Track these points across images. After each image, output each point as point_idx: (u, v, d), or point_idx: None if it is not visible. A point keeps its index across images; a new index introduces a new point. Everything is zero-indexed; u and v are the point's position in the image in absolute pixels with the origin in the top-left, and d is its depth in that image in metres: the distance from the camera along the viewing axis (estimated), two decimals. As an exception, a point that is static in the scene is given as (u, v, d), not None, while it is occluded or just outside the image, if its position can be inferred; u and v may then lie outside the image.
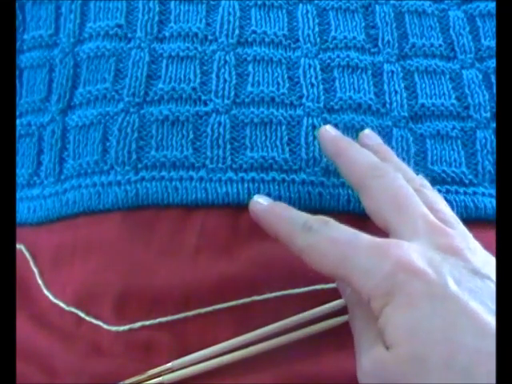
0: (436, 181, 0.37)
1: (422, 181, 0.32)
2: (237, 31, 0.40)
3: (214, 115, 0.38)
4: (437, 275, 0.24)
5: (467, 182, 0.37)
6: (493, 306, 0.23)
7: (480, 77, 0.40)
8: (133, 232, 0.35)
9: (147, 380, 0.31)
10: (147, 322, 0.33)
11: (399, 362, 0.24)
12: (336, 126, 0.38)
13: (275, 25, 0.41)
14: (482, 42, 0.41)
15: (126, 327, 0.33)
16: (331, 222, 0.28)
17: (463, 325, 0.23)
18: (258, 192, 0.36)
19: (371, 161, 0.31)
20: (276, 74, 0.39)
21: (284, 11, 0.42)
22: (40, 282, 0.35)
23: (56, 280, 0.35)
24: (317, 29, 0.41)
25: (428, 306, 0.24)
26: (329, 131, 0.35)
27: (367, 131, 0.36)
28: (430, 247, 0.26)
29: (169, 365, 0.31)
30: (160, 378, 0.31)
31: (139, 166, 0.37)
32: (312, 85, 0.39)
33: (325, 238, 0.27)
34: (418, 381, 0.23)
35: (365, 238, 0.27)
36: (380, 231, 0.35)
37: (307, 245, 0.28)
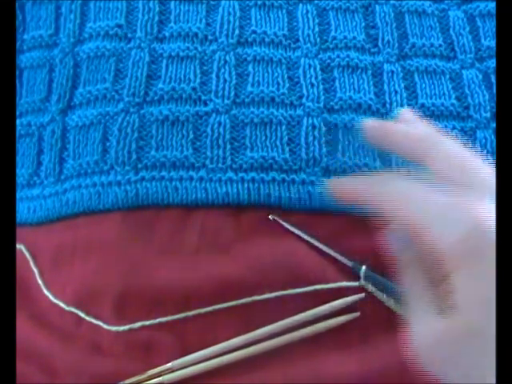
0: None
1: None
2: (237, 31, 0.40)
3: (214, 115, 0.38)
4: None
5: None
6: None
7: (480, 77, 0.40)
8: (133, 232, 0.35)
9: (147, 380, 0.31)
10: (147, 322, 0.33)
11: (457, 331, 0.23)
12: (336, 125, 0.38)
13: (275, 25, 0.41)
14: (482, 41, 0.41)
15: (126, 327, 0.33)
16: (398, 182, 0.27)
17: None
18: (258, 192, 0.36)
19: (421, 132, 0.30)
20: (276, 74, 0.39)
21: (284, 11, 0.42)
22: (40, 281, 0.35)
23: (56, 280, 0.35)
24: (317, 29, 0.41)
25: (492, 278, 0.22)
26: (369, 122, 0.32)
27: (405, 110, 0.33)
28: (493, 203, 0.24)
29: (169, 365, 0.31)
30: (160, 378, 0.31)
31: (139, 165, 0.37)
32: (312, 85, 0.39)
33: (404, 185, 0.26)
34: (472, 352, 0.23)
35: (439, 196, 0.25)
36: (383, 231, 0.35)
37: (385, 191, 0.27)
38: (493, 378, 0.22)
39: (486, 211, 0.24)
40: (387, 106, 0.39)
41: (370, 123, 0.32)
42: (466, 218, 0.24)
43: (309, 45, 0.40)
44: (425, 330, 0.25)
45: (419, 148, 0.28)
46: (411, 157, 0.29)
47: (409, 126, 0.31)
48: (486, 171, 0.27)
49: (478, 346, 0.23)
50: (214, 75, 0.39)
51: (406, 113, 0.33)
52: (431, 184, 0.27)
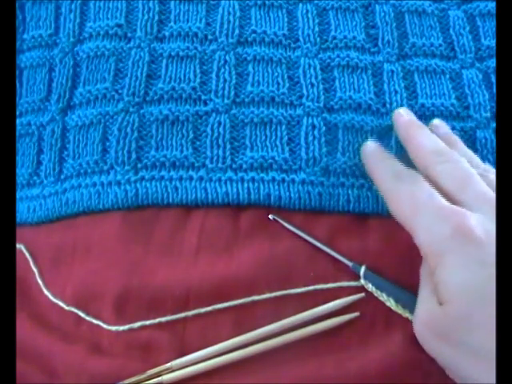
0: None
1: (487, 167, 0.33)
2: (237, 31, 0.40)
3: (213, 115, 0.38)
4: (491, 245, 0.26)
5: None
6: None
7: (480, 76, 0.40)
8: (133, 232, 0.35)
9: (147, 380, 0.31)
10: (147, 322, 0.33)
11: (448, 318, 0.27)
12: (336, 125, 0.38)
13: (275, 24, 0.41)
14: (481, 41, 0.41)
15: (126, 327, 0.33)
16: (419, 178, 0.31)
17: None
18: (258, 192, 0.36)
19: (438, 147, 0.33)
20: (276, 74, 0.39)
21: (284, 11, 0.42)
22: (40, 281, 0.35)
23: (56, 280, 0.35)
24: (317, 28, 0.41)
25: (479, 270, 0.26)
26: (402, 115, 0.36)
27: (437, 121, 0.37)
28: (490, 221, 0.28)
29: (168, 365, 0.31)
30: (159, 378, 0.31)
31: (139, 165, 0.37)
32: (312, 84, 0.39)
33: (406, 190, 0.31)
34: (463, 337, 0.26)
35: (438, 200, 0.29)
36: (381, 231, 0.35)
37: (391, 190, 0.32)
38: (483, 360, 0.26)
39: (474, 219, 0.28)
40: (387, 105, 0.39)
41: (403, 119, 0.35)
42: (453, 219, 0.28)
43: (309, 44, 0.40)
44: (423, 314, 0.29)
45: (426, 159, 0.32)
46: (418, 165, 0.33)
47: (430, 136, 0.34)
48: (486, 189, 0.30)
49: (467, 328, 0.26)
50: (213, 75, 0.39)
51: (437, 122, 0.36)
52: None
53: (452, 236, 0.28)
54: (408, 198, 0.30)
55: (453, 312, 0.27)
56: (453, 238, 0.28)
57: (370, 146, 0.35)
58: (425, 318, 0.29)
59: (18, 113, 0.40)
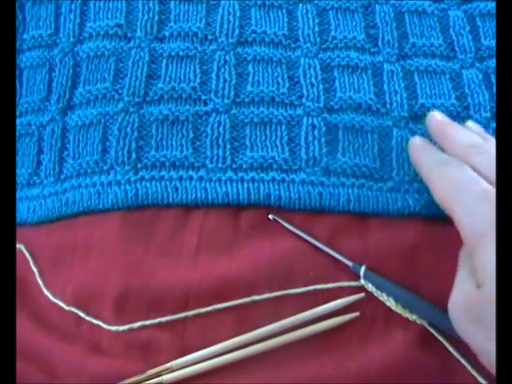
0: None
1: None
2: (237, 31, 0.40)
3: (213, 115, 0.38)
4: None
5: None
6: None
7: (480, 76, 0.40)
8: (133, 232, 0.35)
9: (147, 380, 0.31)
10: (147, 322, 0.33)
11: (485, 301, 0.27)
12: (336, 126, 0.38)
13: (275, 24, 0.41)
14: (481, 41, 0.41)
15: (126, 327, 0.33)
16: (464, 164, 0.31)
17: None
18: (258, 192, 0.36)
19: (473, 140, 0.34)
20: (276, 74, 0.39)
21: (284, 11, 0.42)
22: (40, 281, 0.35)
23: (56, 280, 0.35)
24: (317, 28, 0.41)
25: None
26: (435, 116, 0.36)
27: (470, 123, 0.37)
28: None
29: (168, 365, 0.31)
30: (159, 378, 0.31)
31: (139, 165, 0.37)
32: (312, 84, 0.39)
33: (451, 172, 0.31)
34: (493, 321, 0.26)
35: (481, 184, 0.29)
36: (383, 231, 0.35)
37: (436, 173, 0.32)
38: None
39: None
40: (387, 105, 0.39)
41: (435, 119, 0.36)
42: (492, 203, 0.28)
43: (309, 44, 0.40)
44: (459, 297, 0.29)
45: (464, 152, 0.32)
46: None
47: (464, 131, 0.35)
48: None
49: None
50: (213, 75, 0.39)
51: (470, 123, 0.37)
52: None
53: (493, 218, 0.27)
54: (452, 179, 0.31)
55: (490, 295, 0.26)
56: (494, 220, 0.27)
57: (418, 140, 0.36)
58: (461, 301, 0.29)
59: (18, 113, 0.40)
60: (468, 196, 0.29)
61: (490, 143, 0.34)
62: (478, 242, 0.28)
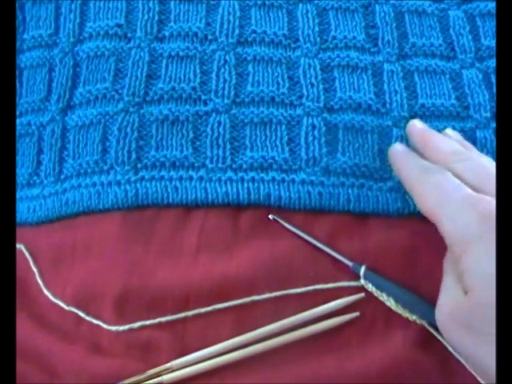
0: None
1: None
2: (237, 31, 0.40)
3: (213, 115, 0.38)
4: None
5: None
6: None
7: (480, 76, 0.40)
8: (133, 232, 0.35)
9: (146, 380, 0.31)
10: (147, 322, 0.33)
11: (473, 306, 0.27)
12: (336, 125, 0.38)
13: (275, 24, 0.41)
14: (481, 41, 0.41)
15: (126, 327, 0.33)
16: (446, 171, 0.31)
17: None
18: (258, 192, 0.36)
19: (455, 147, 0.34)
20: (276, 74, 0.39)
21: (284, 11, 0.42)
22: (40, 281, 0.35)
23: (56, 280, 0.35)
24: (317, 28, 0.41)
25: None
26: (416, 125, 0.36)
27: (449, 131, 0.37)
28: None
29: (168, 365, 0.31)
30: (159, 378, 0.31)
31: (139, 165, 0.37)
32: (312, 84, 0.39)
33: (433, 180, 0.31)
34: (487, 326, 0.26)
35: (465, 189, 0.30)
36: (382, 231, 0.35)
37: (419, 181, 0.32)
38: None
39: (493, 204, 0.28)
40: (387, 105, 0.39)
41: (416, 129, 0.36)
42: (480, 206, 0.28)
43: (309, 44, 0.40)
44: (447, 304, 0.29)
45: (446, 160, 0.32)
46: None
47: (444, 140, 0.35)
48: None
49: (492, 317, 0.26)
50: (213, 75, 0.39)
51: (449, 131, 0.37)
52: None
53: (479, 222, 0.27)
54: (435, 188, 0.31)
55: (478, 300, 0.27)
56: (479, 225, 0.27)
57: (399, 146, 0.36)
58: (448, 307, 0.29)
59: (18, 113, 0.40)
60: (452, 203, 0.29)
61: (472, 150, 0.34)
62: (463, 248, 0.28)
